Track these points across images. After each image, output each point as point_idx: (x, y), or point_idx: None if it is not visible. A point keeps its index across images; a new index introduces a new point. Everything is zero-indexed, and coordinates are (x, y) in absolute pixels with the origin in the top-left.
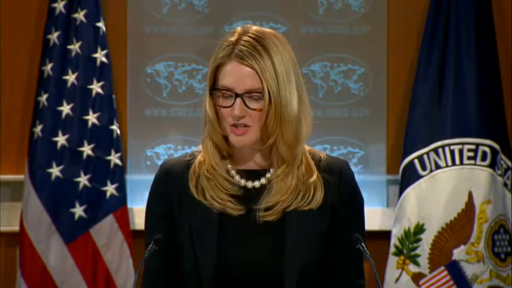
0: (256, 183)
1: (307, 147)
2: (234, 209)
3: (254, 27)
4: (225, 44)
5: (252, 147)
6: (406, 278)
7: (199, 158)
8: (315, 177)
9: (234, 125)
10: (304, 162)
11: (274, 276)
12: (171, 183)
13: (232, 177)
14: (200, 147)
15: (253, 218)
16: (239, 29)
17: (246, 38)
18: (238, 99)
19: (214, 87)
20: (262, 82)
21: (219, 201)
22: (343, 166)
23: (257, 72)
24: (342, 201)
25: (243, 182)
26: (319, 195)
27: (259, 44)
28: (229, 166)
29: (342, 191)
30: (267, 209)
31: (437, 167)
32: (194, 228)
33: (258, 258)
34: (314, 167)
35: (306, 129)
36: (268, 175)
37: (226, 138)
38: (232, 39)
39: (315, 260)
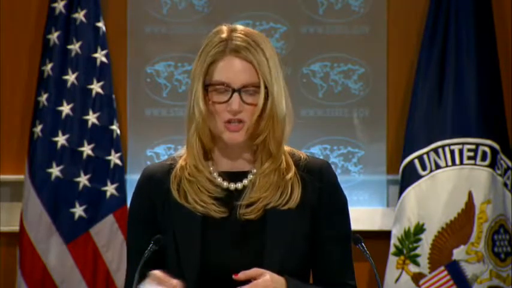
0: (239, 185)
1: (287, 148)
2: (217, 211)
3: (239, 26)
4: (215, 41)
5: (242, 145)
6: (406, 278)
7: (181, 162)
8: (292, 173)
9: (228, 121)
10: (284, 159)
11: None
12: (153, 188)
13: (215, 179)
14: (181, 151)
15: (236, 220)
16: (225, 27)
17: (237, 34)
18: (236, 94)
19: (208, 84)
20: (258, 76)
21: (201, 204)
22: (323, 166)
23: (254, 66)
24: (323, 201)
25: (225, 184)
26: (297, 194)
27: (251, 39)
28: (211, 168)
29: (323, 191)
30: (248, 206)
31: (437, 167)
32: (178, 232)
33: (240, 261)
34: (291, 164)
35: (289, 127)
36: (250, 176)
37: (211, 138)
38: (223, 36)
39: (295, 261)
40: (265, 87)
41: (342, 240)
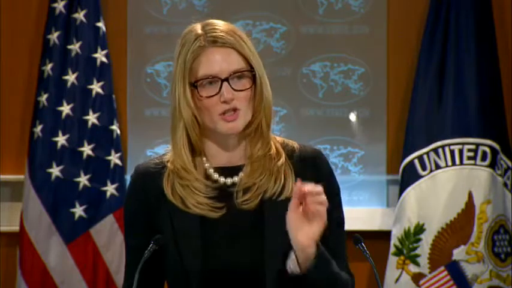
0: (236, 179)
1: (279, 138)
2: (215, 211)
3: (211, 20)
4: (191, 38)
5: (236, 137)
6: (406, 278)
7: (169, 166)
8: (282, 160)
9: (223, 113)
10: (273, 145)
11: (256, 274)
12: (148, 187)
13: (211, 176)
14: (167, 150)
15: (234, 214)
16: (197, 24)
17: (211, 27)
18: (225, 83)
19: (195, 80)
20: (243, 59)
21: (200, 207)
22: (317, 155)
23: (236, 49)
24: None
25: (222, 179)
26: (290, 182)
27: (226, 28)
28: (207, 165)
29: (317, 181)
30: (244, 193)
31: (437, 167)
32: (177, 232)
33: (241, 255)
34: (281, 151)
35: (272, 113)
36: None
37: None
38: (199, 31)
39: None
40: (252, 69)
41: (337, 228)
